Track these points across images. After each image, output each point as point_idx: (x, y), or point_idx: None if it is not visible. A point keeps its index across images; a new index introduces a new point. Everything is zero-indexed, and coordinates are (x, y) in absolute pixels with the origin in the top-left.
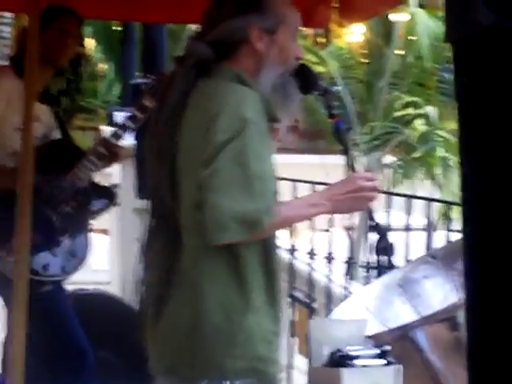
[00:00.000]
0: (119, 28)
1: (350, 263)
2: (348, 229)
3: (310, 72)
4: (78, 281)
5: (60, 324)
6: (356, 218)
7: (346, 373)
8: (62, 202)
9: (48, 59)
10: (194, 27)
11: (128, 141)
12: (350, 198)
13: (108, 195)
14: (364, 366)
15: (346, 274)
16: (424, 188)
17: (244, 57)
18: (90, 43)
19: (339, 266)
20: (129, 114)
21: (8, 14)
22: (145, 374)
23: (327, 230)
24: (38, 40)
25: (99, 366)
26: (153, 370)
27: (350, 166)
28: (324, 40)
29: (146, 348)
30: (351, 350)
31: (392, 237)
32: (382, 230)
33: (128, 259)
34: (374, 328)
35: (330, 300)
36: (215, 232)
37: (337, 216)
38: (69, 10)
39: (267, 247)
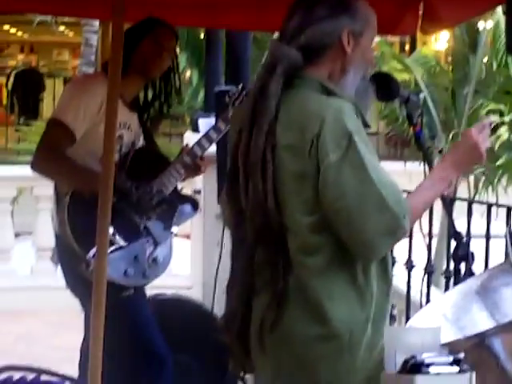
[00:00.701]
0: (203, 35)
1: (430, 271)
2: (428, 236)
3: (392, 80)
4: (158, 285)
5: (140, 329)
6: (436, 225)
7: (420, 379)
8: (148, 208)
9: (142, 70)
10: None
11: (210, 148)
12: (471, 156)
13: (191, 203)
14: (438, 373)
15: (426, 281)
16: (507, 195)
17: (330, 61)
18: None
19: (419, 273)
20: (213, 124)
21: (95, 22)
22: (224, 378)
23: (409, 237)
24: (121, 48)
25: (179, 371)
26: (261, 380)
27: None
28: (409, 47)
29: (226, 353)
30: (425, 357)
31: (473, 244)
32: (460, 238)
33: (210, 265)
34: (450, 335)
35: (409, 307)
36: (367, 253)
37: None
38: (165, 23)
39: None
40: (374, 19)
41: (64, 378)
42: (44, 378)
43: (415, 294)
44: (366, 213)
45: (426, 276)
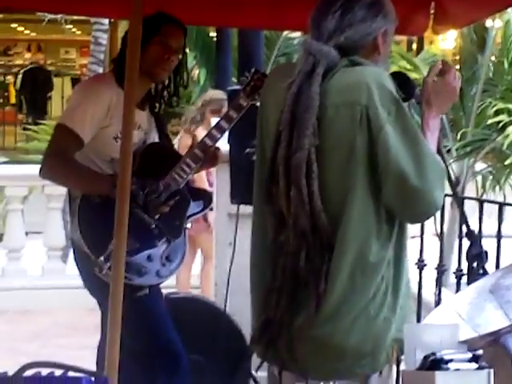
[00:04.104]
0: (212, 34)
1: (441, 270)
2: (438, 235)
3: (409, 80)
4: (168, 285)
5: (156, 327)
6: (446, 224)
7: (439, 376)
8: (157, 206)
9: (150, 73)
10: (289, 34)
11: (222, 145)
12: (450, 95)
13: (204, 198)
14: (457, 369)
15: (437, 281)
16: None
17: (363, 58)
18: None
19: (430, 273)
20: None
21: (105, 21)
22: (237, 378)
23: (420, 237)
24: (138, 47)
25: (192, 370)
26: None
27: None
28: (416, 46)
29: (238, 352)
30: (445, 353)
31: (483, 244)
32: (474, 237)
33: (221, 264)
34: (465, 334)
35: (421, 306)
36: (427, 209)
37: (427, 222)
38: (173, 20)
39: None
40: (395, 16)
41: (90, 373)
42: (71, 373)
43: (426, 294)
44: (425, 171)
45: (438, 275)
